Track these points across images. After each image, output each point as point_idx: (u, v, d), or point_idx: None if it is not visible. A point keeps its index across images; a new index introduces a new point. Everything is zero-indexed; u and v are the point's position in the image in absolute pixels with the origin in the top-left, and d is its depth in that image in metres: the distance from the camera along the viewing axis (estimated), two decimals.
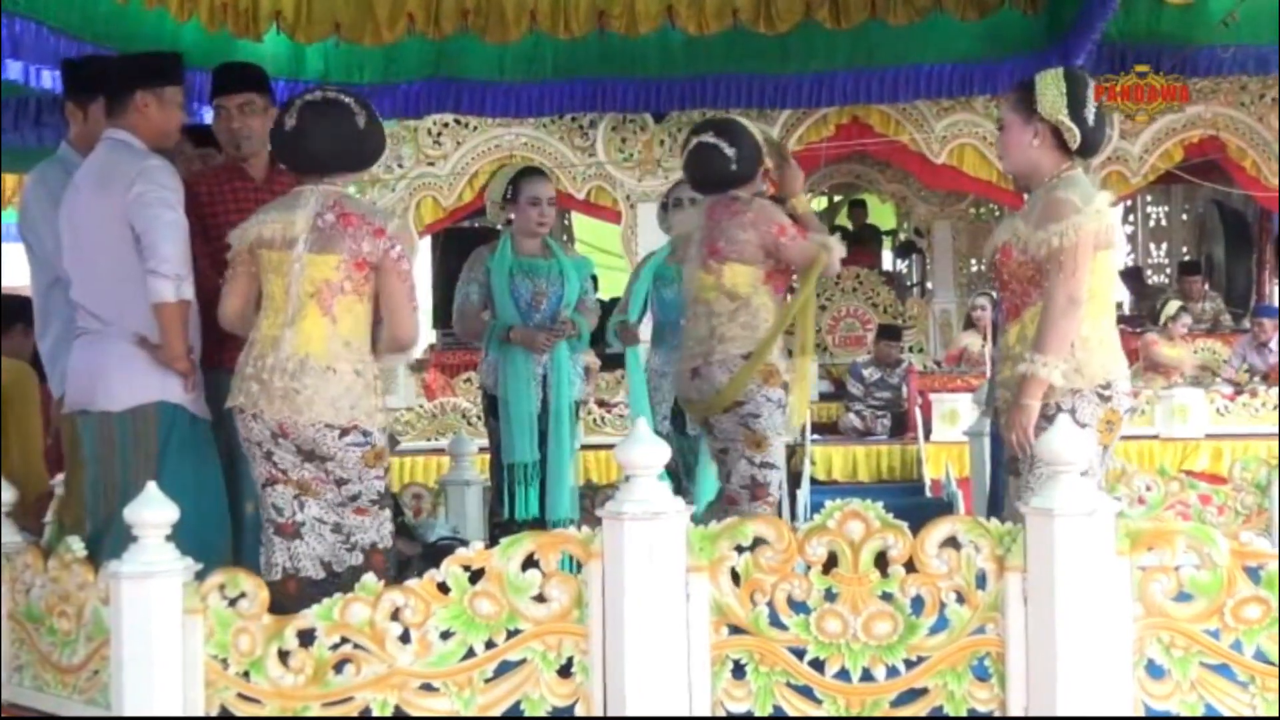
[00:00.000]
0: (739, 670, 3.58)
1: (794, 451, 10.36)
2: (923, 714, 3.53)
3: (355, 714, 3.68)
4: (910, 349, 13.62)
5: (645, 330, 6.82)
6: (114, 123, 4.59)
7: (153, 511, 3.71)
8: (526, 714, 3.64)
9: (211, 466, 4.55)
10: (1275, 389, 10.69)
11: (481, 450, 6.66)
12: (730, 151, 5.16)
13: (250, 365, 4.26)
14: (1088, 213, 4.12)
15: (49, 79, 6.91)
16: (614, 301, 11.06)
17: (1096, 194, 4.22)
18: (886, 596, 3.54)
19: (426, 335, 13.13)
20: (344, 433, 4.24)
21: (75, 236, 4.54)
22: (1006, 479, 4.38)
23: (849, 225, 16.66)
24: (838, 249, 5.16)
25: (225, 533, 4.51)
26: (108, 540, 4.19)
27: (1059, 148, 4.27)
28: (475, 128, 12.39)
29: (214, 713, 3.72)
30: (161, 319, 4.39)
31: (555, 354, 5.91)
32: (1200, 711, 3.48)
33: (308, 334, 4.24)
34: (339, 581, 4.12)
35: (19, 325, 6.15)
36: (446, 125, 12.37)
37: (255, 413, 4.23)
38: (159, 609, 3.67)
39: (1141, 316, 13.31)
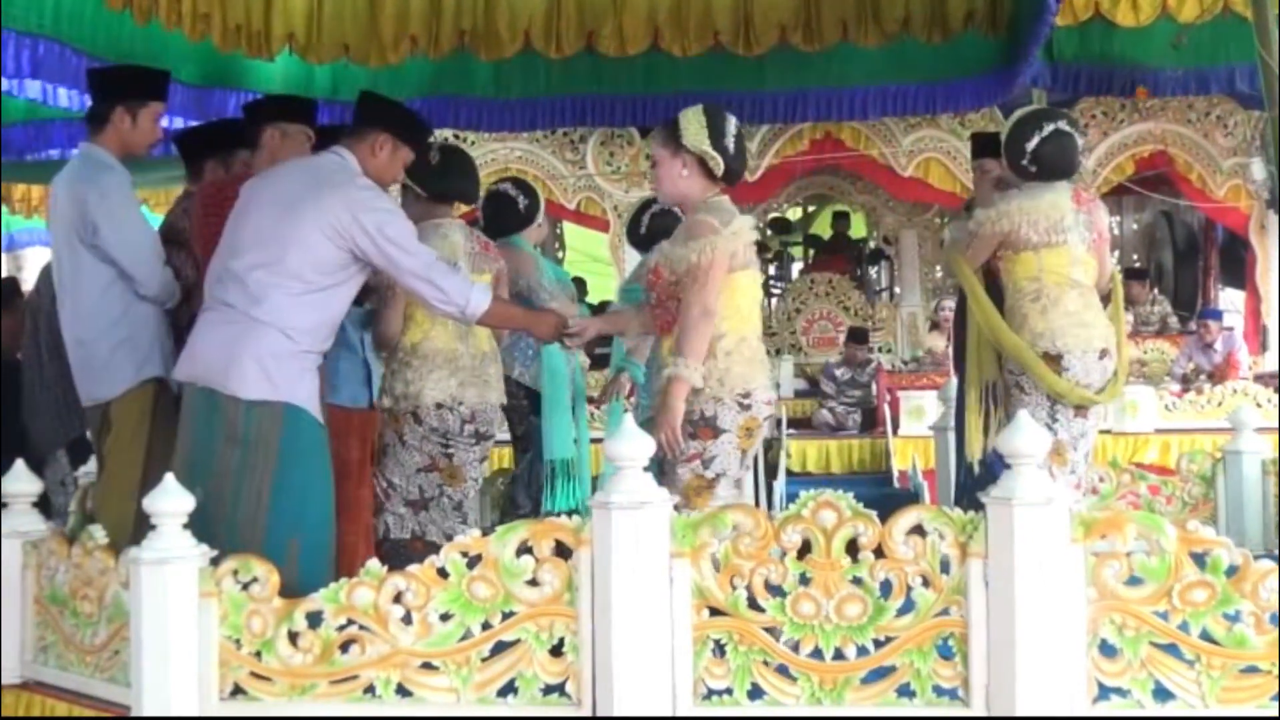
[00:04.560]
0: (719, 650, 3.58)
1: (770, 445, 10.38)
2: (890, 690, 3.54)
3: (360, 691, 3.68)
4: (879, 349, 13.64)
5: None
6: (348, 144, 4.40)
7: (169, 501, 3.69)
8: (520, 691, 3.64)
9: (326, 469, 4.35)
10: (1220, 387, 10.73)
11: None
12: (1081, 142, 5.18)
13: (436, 370, 4.95)
14: (725, 234, 4.19)
15: (64, 97, 6.87)
16: (603, 305, 11.04)
17: (736, 219, 4.28)
18: (857, 581, 3.54)
19: None
20: (500, 409, 5.23)
21: (261, 218, 4.21)
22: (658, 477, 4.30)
23: (823, 235, 16.67)
24: None
25: (330, 539, 4.32)
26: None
27: (706, 176, 4.32)
28: (473, 142, 12.38)
29: (228, 690, 3.71)
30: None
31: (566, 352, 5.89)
32: (1150, 687, 3.49)
33: (480, 336, 5.08)
34: None
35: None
36: (446, 140, 12.35)
37: (453, 405, 4.95)
38: (176, 593, 3.65)
39: None
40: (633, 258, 9.04)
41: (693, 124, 4.28)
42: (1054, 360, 5.10)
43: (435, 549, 4.50)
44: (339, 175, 4.27)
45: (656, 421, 4.14)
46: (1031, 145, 5.15)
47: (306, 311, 4.15)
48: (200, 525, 3.76)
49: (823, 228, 16.97)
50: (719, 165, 4.28)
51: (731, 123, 4.34)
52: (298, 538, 4.08)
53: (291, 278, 4.12)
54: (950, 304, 12.23)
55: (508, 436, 6.13)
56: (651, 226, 6.31)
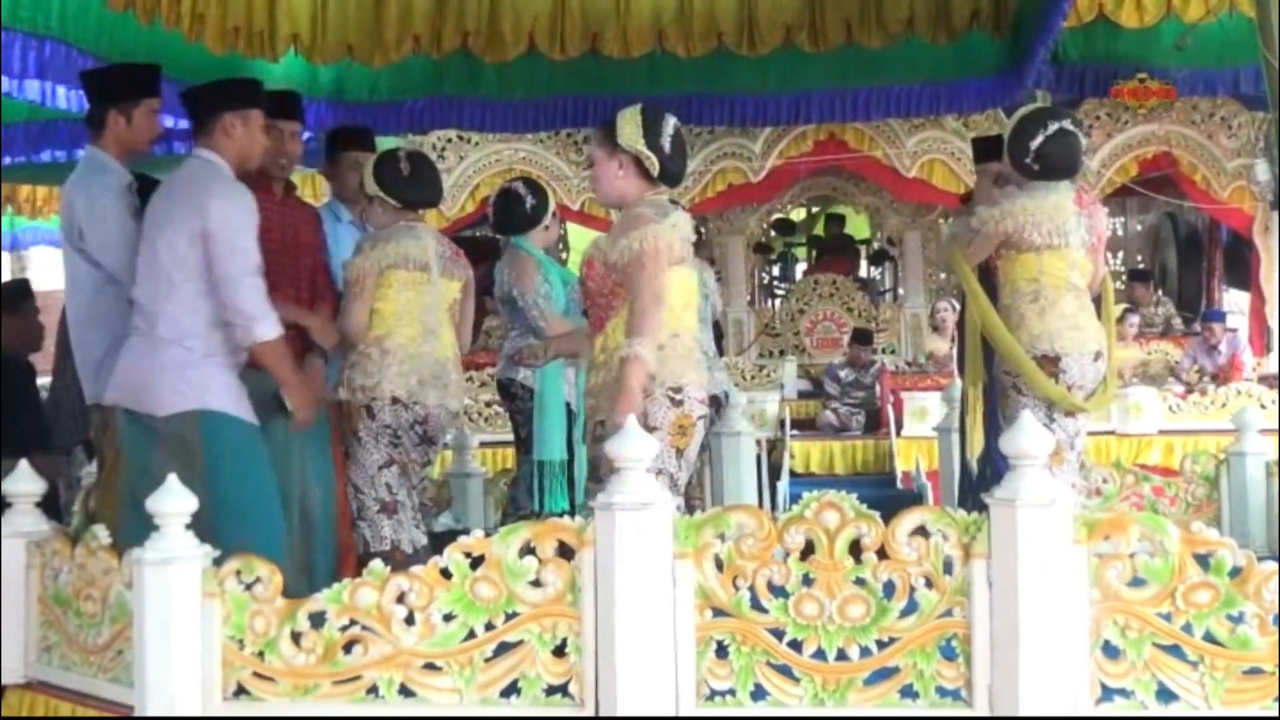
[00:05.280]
0: (722, 650, 3.58)
1: (774, 446, 10.38)
2: (893, 691, 3.54)
3: (363, 691, 3.68)
4: (883, 350, 13.64)
5: None
6: (202, 143, 4.53)
7: (172, 502, 3.70)
8: (523, 691, 3.64)
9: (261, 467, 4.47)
10: (1224, 388, 10.72)
11: (483, 445, 6.63)
12: (1085, 142, 5.21)
13: (396, 366, 4.84)
14: (664, 225, 4.18)
15: (64, 98, 6.86)
16: None
17: (675, 213, 4.28)
18: (860, 582, 3.54)
19: None
20: (455, 416, 5.13)
21: (148, 241, 4.43)
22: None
23: (823, 235, 16.65)
24: None
25: (280, 531, 4.44)
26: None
27: (643, 176, 4.28)
28: (477, 143, 12.38)
29: (231, 690, 3.72)
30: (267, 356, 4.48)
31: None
32: (1153, 689, 3.49)
33: (446, 341, 5.01)
34: (419, 557, 4.51)
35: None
36: (450, 140, 12.36)
37: (409, 403, 4.85)
38: (179, 593, 3.66)
39: None
40: None
41: (629, 124, 4.26)
42: (1052, 362, 5.09)
43: (410, 559, 4.55)
44: (199, 178, 4.43)
45: (615, 405, 4.07)
46: (1036, 144, 5.14)
47: (197, 319, 4.36)
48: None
49: (819, 229, 16.96)
50: (655, 165, 4.24)
51: (670, 123, 4.30)
52: (246, 536, 4.08)
53: (173, 287, 4.34)
54: (945, 305, 12.28)
55: (500, 438, 6.09)
56: None
